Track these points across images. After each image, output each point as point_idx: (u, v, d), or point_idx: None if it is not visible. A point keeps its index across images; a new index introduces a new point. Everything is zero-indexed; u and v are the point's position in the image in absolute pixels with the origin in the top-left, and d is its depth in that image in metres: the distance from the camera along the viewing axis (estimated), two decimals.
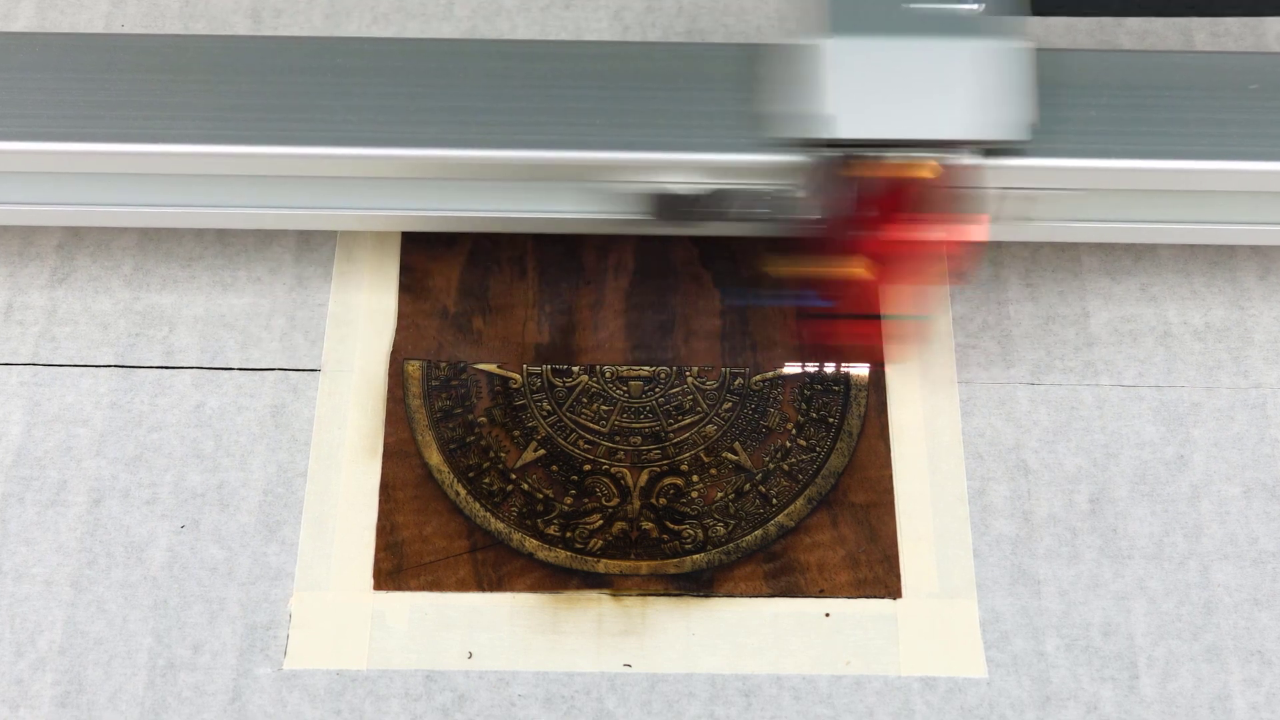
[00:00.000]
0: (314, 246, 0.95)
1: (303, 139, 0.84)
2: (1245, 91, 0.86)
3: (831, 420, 0.90)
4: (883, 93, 0.80)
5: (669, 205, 0.85)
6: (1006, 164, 0.81)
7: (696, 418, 0.90)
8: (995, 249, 0.95)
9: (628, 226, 0.88)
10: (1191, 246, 0.96)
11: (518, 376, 0.91)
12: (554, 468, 0.88)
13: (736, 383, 0.91)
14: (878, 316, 0.87)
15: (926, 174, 0.79)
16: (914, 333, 0.89)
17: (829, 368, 0.90)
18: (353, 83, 0.86)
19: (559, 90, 0.86)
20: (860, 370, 0.91)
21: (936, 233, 0.80)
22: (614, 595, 0.84)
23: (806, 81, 0.82)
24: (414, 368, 0.91)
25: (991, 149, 0.80)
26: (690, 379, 0.91)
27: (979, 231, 0.79)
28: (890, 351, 0.91)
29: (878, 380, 0.91)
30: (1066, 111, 0.84)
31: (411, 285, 0.94)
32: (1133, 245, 0.96)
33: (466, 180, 0.86)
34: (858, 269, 0.83)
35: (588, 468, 0.88)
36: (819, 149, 0.81)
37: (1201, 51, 1.01)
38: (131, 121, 0.85)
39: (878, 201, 0.81)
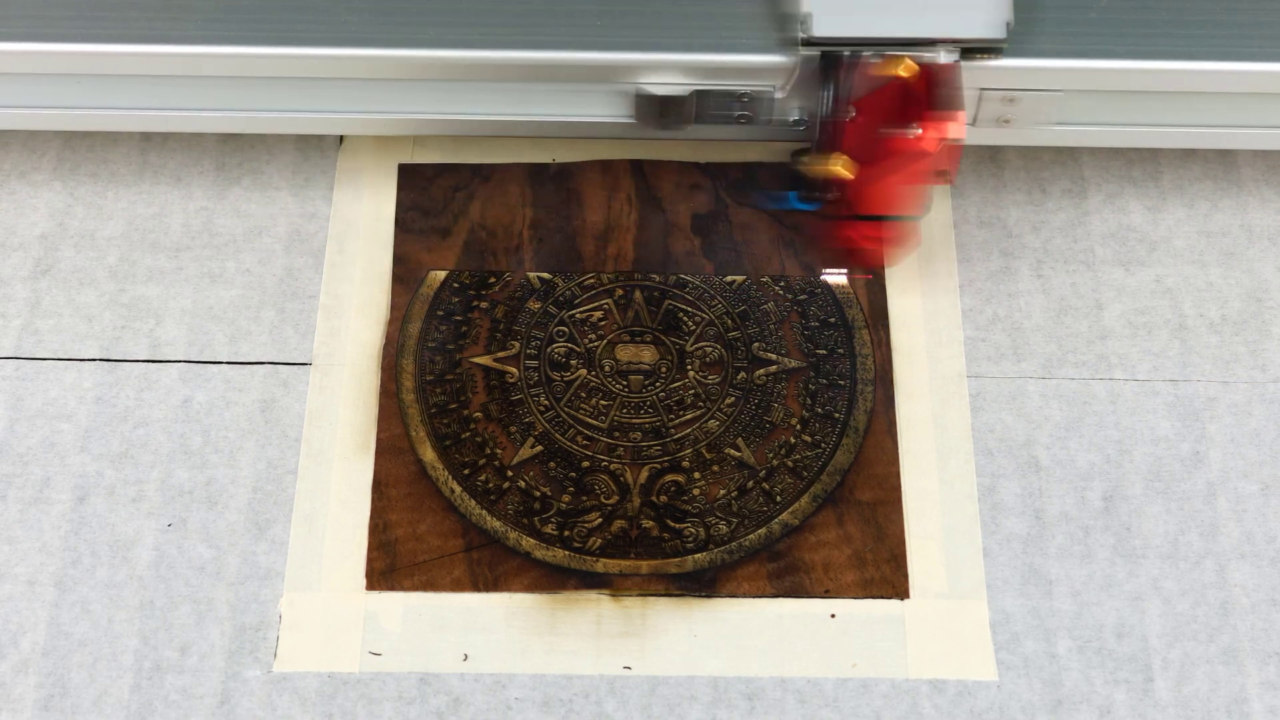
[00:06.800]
0: (305, 237, 0.94)
1: (303, 39, 0.85)
2: None
3: (837, 415, 0.88)
4: None
5: (652, 107, 0.86)
6: (986, 64, 0.83)
7: (698, 413, 0.88)
8: (1006, 237, 0.94)
9: (615, 130, 0.89)
10: (1208, 235, 0.94)
11: (514, 370, 0.89)
12: (551, 464, 0.86)
13: (740, 377, 0.89)
14: (866, 218, 0.87)
15: (903, 73, 0.81)
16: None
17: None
18: None
19: None
20: (866, 368, 0.89)
21: (915, 131, 0.81)
22: (613, 595, 0.83)
23: None
24: (408, 362, 0.89)
25: (969, 48, 0.82)
26: (692, 373, 0.89)
27: (958, 130, 0.80)
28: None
29: (884, 375, 0.89)
30: (1067, 13, 0.85)
31: (404, 276, 0.92)
32: (1147, 236, 0.94)
33: (462, 81, 0.87)
34: (838, 168, 0.83)
35: (586, 464, 0.86)
36: (798, 48, 0.82)
37: None
38: (131, 22, 0.85)
39: (856, 101, 0.82)
